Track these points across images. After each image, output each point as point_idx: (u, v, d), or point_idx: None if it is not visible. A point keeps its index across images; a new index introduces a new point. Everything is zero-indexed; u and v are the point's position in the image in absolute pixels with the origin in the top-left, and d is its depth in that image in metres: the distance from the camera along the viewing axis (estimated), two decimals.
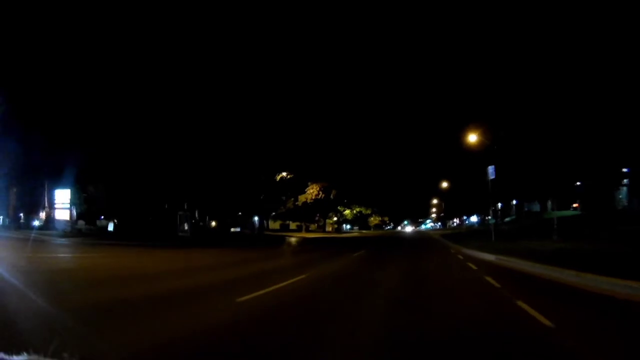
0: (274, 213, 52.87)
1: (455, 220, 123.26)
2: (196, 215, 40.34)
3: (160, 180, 36.89)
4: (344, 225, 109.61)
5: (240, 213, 48.40)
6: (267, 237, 39.66)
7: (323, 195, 51.65)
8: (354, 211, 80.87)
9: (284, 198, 47.62)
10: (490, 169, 25.81)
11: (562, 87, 37.19)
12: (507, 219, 77.94)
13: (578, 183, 58.68)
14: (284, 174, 48.05)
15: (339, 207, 76.73)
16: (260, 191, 44.87)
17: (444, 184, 71.35)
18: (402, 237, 40.00)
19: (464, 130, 29.88)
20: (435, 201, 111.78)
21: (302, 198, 51.47)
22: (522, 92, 40.76)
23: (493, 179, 26.17)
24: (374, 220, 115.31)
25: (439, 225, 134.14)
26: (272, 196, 46.97)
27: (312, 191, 51.25)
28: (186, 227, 35.64)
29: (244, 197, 41.68)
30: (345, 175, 57.64)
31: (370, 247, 24.93)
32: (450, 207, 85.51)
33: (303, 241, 33.62)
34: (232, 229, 46.54)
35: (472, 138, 28.33)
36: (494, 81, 45.26)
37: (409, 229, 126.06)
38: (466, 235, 33.63)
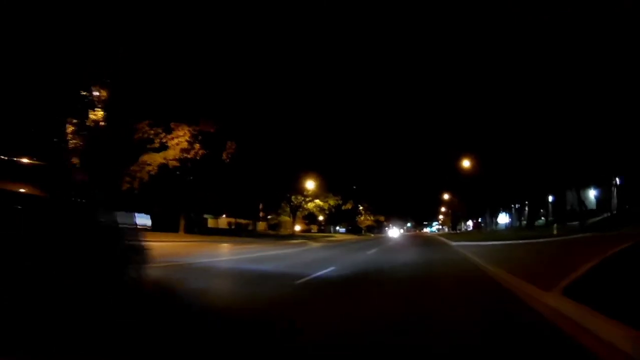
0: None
1: (469, 222, 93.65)
2: None
3: None
4: (336, 227, 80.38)
5: None
6: None
7: (202, 152, 22.50)
8: (322, 204, 51.18)
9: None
10: None
11: None
12: (539, 221, 49.25)
13: None
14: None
15: (292, 198, 47.34)
16: None
17: (465, 163, 42.60)
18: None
19: None
20: (446, 196, 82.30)
21: (156, 158, 22.44)
22: None
23: None
24: (364, 219, 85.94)
25: (447, 229, 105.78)
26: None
27: (176, 141, 22.28)
28: None
29: None
30: (270, 118, 28.48)
31: None
32: (472, 201, 55.82)
33: None
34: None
35: None
36: None
37: (394, 233, 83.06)
38: None
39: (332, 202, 51.35)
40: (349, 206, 62.87)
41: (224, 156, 23.80)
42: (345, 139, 60.21)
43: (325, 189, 48.78)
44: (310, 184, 46.87)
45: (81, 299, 3.66)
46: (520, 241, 18.71)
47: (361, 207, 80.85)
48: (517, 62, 24.20)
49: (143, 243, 5.86)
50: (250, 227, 49.84)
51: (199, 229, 31.62)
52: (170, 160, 22.70)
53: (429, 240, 38.83)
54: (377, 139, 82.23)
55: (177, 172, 23.15)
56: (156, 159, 23.15)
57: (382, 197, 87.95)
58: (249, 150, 26.53)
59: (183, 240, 20.82)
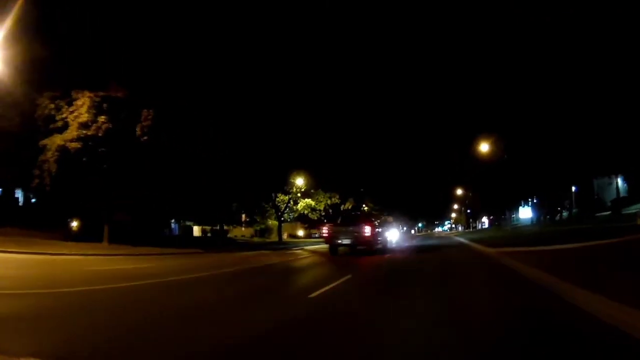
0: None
1: (484, 218, 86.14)
2: None
3: None
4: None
5: None
6: None
7: (106, 127, 16.17)
8: (314, 204, 44.48)
9: None
10: None
11: None
12: (565, 214, 44.03)
13: None
14: None
15: (278, 199, 40.81)
16: None
17: (483, 148, 36.37)
18: None
19: None
20: (459, 192, 75.45)
21: (55, 140, 16.32)
22: None
23: None
24: None
25: (460, 227, 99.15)
26: None
27: (75, 114, 16.14)
28: None
29: None
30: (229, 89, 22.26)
31: None
32: (488, 194, 48.62)
33: None
34: None
35: None
36: None
37: (392, 234, 62.73)
38: None
39: (325, 201, 44.66)
40: (348, 205, 55.99)
41: (138, 131, 17.27)
42: (343, 130, 53.52)
43: (316, 186, 42.25)
44: (299, 181, 40.47)
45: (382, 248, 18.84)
46: (606, 240, 10.73)
47: (365, 207, 73.72)
48: (543, 44, 22.33)
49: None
50: (236, 235, 43.34)
51: (149, 238, 25.04)
52: (69, 141, 16.43)
53: (444, 240, 32.10)
54: (381, 131, 74.99)
55: (84, 159, 16.86)
56: (55, 141, 16.92)
57: (389, 197, 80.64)
58: (196, 128, 20.14)
59: (76, 253, 14.43)
